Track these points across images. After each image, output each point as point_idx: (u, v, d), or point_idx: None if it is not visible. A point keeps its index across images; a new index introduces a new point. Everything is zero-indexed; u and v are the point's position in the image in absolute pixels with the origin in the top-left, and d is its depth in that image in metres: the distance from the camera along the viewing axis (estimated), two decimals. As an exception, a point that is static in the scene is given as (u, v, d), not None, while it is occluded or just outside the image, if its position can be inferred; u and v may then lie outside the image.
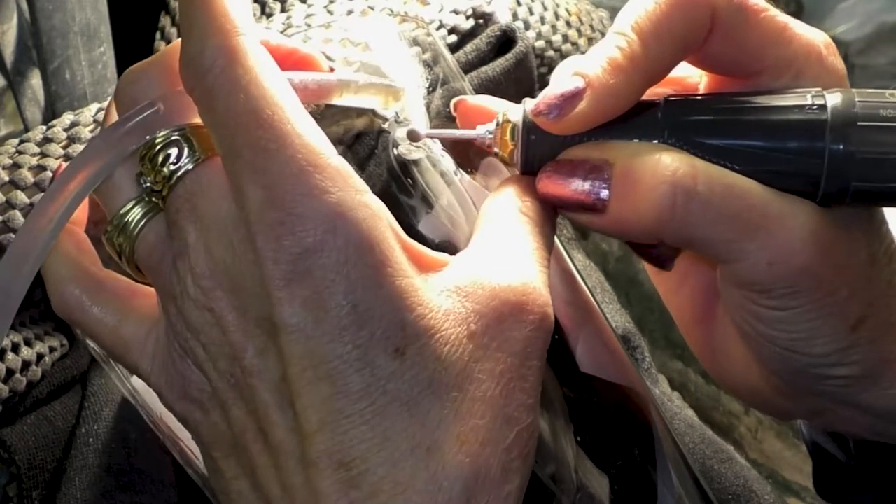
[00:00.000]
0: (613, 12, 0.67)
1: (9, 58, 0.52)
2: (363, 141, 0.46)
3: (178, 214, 0.35)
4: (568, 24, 0.63)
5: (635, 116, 0.38)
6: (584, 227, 0.39)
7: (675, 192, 0.37)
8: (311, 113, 0.35)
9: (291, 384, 0.33)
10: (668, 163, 0.37)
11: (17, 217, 0.47)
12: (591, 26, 0.65)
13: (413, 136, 0.41)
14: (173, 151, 0.36)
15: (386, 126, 0.42)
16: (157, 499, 0.49)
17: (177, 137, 0.36)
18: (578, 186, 0.38)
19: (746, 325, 0.40)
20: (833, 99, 0.37)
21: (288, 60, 0.39)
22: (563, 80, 0.38)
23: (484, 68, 0.57)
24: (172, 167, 0.36)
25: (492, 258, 0.36)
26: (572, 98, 0.37)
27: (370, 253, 0.33)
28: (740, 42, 0.39)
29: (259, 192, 0.33)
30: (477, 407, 0.34)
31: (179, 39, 0.36)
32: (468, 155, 0.43)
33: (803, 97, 0.38)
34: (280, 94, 0.34)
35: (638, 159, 0.37)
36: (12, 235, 0.47)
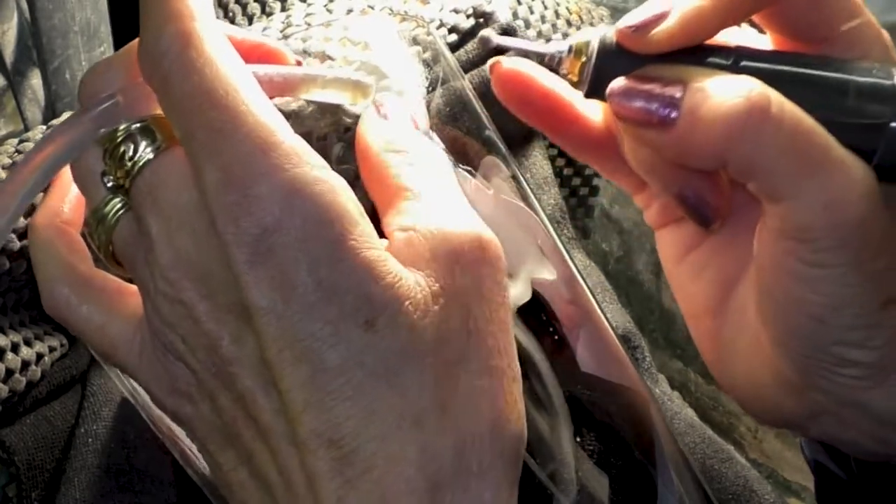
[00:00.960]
0: (613, 11, 0.67)
1: (9, 58, 0.52)
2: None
3: (141, 208, 0.35)
4: (568, 22, 0.63)
5: (709, 56, 0.39)
6: (652, 147, 0.38)
7: (751, 107, 0.36)
8: (310, 112, 0.35)
9: (272, 367, 0.33)
10: (744, 83, 0.37)
11: (17, 217, 0.47)
12: (592, 25, 0.65)
13: (485, 42, 0.41)
14: (132, 145, 0.36)
15: (351, 123, 0.41)
16: (156, 498, 0.49)
17: (135, 130, 0.36)
18: (650, 99, 0.38)
19: (779, 288, 0.39)
20: None
21: (253, 54, 0.39)
22: (650, 3, 0.39)
23: (484, 67, 0.57)
24: (133, 160, 0.35)
25: (436, 211, 0.36)
26: (658, 17, 0.38)
27: (329, 227, 0.33)
28: (821, 6, 0.39)
29: (216, 173, 0.33)
30: (454, 369, 0.33)
31: None
32: (468, 154, 0.43)
33: (874, 67, 0.38)
34: (234, 75, 0.34)
35: (713, 78, 0.37)
36: (12, 235, 0.47)
